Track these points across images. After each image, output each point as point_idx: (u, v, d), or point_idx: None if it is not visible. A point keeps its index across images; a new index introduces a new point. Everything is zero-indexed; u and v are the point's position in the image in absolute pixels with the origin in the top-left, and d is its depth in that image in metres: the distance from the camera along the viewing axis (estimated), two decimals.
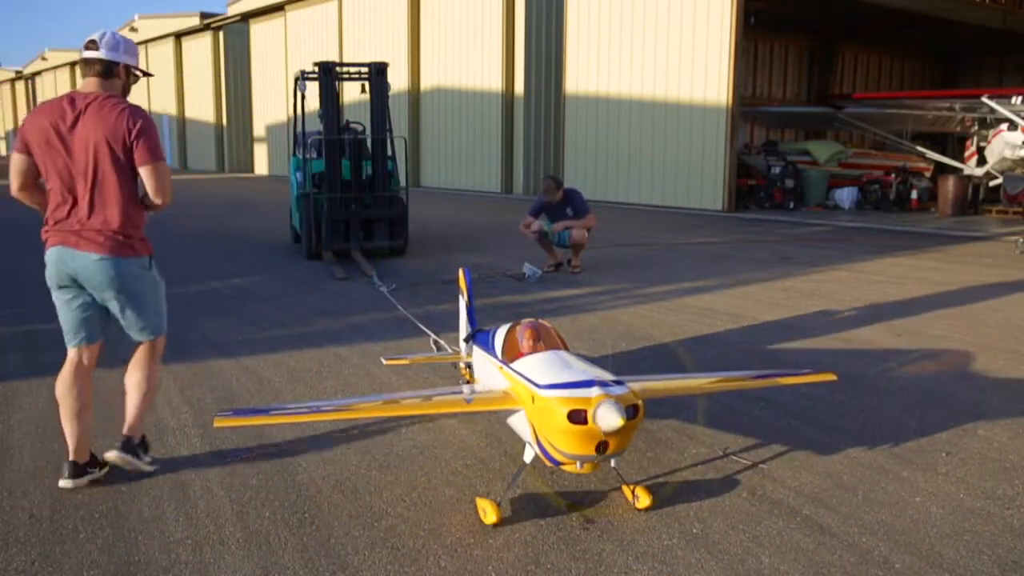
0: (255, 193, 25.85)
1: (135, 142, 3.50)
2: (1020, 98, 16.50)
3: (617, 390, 3.10)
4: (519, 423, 3.42)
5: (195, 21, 40.65)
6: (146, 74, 3.87)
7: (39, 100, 65.75)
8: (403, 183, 11.74)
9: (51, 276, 3.63)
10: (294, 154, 12.49)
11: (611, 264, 10.48)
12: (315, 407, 3.77)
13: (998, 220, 17.23)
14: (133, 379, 3.84)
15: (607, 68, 20.96)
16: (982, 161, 18.52)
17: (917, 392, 5.19)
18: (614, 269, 10.12)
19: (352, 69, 11.45)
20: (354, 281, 9.19)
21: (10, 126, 74.07)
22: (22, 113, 70.88)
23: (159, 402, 4.73)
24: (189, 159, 44.14)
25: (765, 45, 24.33)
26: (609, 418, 2.97)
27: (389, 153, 11.41)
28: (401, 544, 3.18)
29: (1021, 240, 11.92)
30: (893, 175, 19.88)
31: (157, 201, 3.61)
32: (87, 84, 3.60)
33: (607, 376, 3.24)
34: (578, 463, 3.18)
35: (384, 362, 5.28)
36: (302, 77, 11.29)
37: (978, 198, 18.66)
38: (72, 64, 57.44)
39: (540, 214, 9.83)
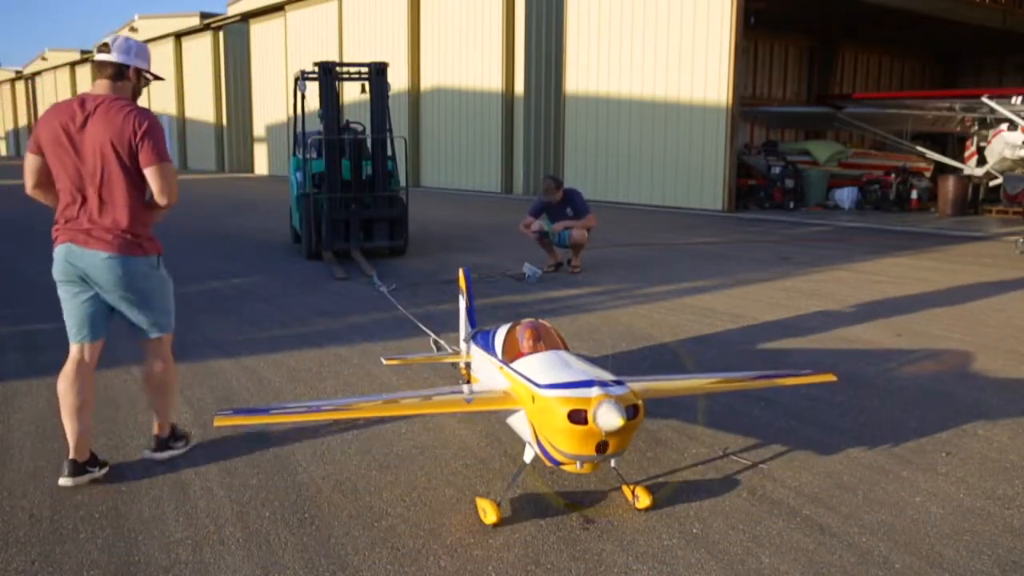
0: (255, 193, 25.86)
1: (140, 143, 3.56)
2: (1020, 98, 16.50)
3: (617, 390, 3.10)
4: (519, 423, 3.42)
5: (195, 21, 40.67)
6: (157, 77, 3.95)
7: (39, 100, 65.82)
8: (403, 183, 11.74)
9: (59, 272, 3.69)
10: (294, 154, 12.49)
11: (611, 264, 10.48)
12: (315, 407, 3.77)
13: (998, 220, 17.23)
14: (152, 382, 3.96)
15: (607, 68, 20.96)
16: (982, 161, 18.52)
17: (917, 392, 5.18)
18: (614, 269, 10.12)
19: (352, 69, 11.45)
20: (354, 281, 9.19)
21: (10, 126, 74.12)
22: (22, 113, 70.94)
23: None
24: (189, 159, 44.15)
25: (765, 45, 24.33)
26: (609, 418, 2.97)
27: (389, 153, 11.40)
28: (401, 544, 3.18)
29: (1021, 240, 11.92)
30: (893, 175, 19.89)
31: (162, 201, 3.66)
32: (98, 86, 3.69)
33: (607, 376, 3.23)
34: (578, 463, 3.18)
35: (384, 362, 5.28)
36: (302, 77, 11.29)
37: (978, 198, 18.66)
38: (72, 64, 57.44)
39: (540, 214, 9.83)
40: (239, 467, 3.90)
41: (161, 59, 43.44)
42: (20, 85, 70.31)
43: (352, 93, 15.70)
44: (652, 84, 19.87)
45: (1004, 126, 17.20)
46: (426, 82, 27.54)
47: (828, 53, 25.58)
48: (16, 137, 73.46)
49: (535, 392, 3.23)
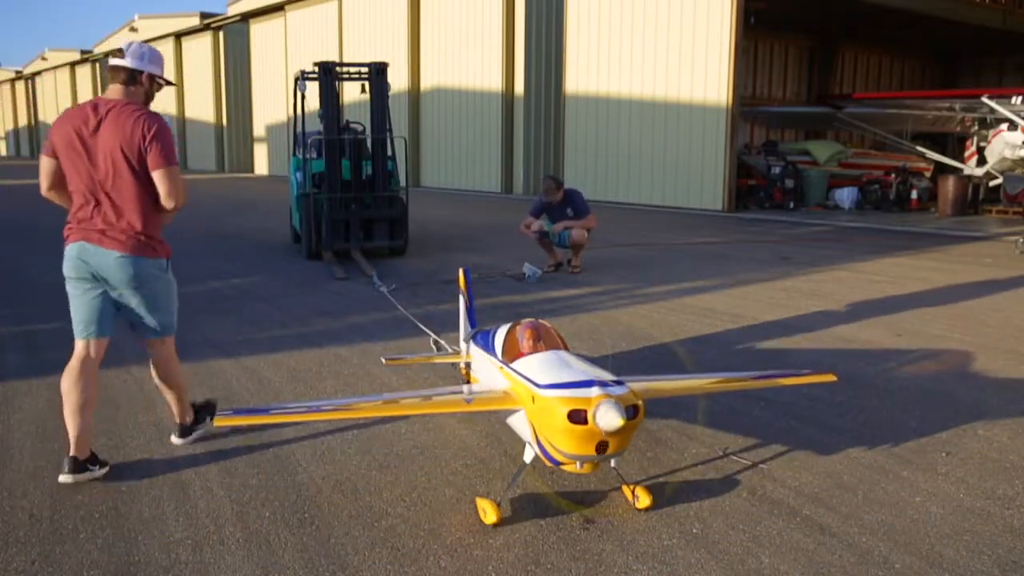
0: (255, 193, 25.86)
1: (149, 147, 3.66)
2: (1020, 98, 16.50)
3: (617, 390, 3.10)
4: (519, 423, 3.42)
5: (195, 21, 40.66)
6: (169, 83, 4.04)
7: (39, 100, 65.84)
8: (403, 183, 11.74)
9: (69, 269, 3.77)
10: (294, 154, 12.49)
11: (611, 264, 10.48)
12: (315, 407, 3.77)
13: (998, 220, 17.23)
14: (162, 381, 4.09)
15: (607, 68, 20.96)
16: (982, 161, 18.52)
17: (917, 392, 5.19)
18: (614, 269, 10.12)
19: (352, 69, 11.45)
20: (354, 281, 9.19)
21: (10, 126, 74.12)
22: (22, 113, 70.95)
23: (159, 402, 4.72)
24: (189, 159, 44.13)
25: (765, 45, 24.33)
26: (609, 418, 2.97)
27: (389, 153, 11.40)
28: (401, 544, 3.18)
29: (1021, 240, 11.92)
30: (893, 175, 19.89)
31: (168, 205, 3.74)
32: (111, 91, 3.79)
33: (607, 376, 3.24)
34: (578, 463, 3.18)
35: (384, 362, 5.28)
36: (302, 77, 11.29)
37: (978, 198, 18.66)
38: (72, 64, 57.44)
39: (541, 214, 9.83)
40: (239, 467, 3.90)
41: None
42: (20, 85, 70.32)
43: (352, 93, 15.70)
44: (652, 84, 19.87)
45: (1004, 126, 17.20)
46: (426, 82, 27.54)
47: (828, 53, 25.57)
48: (16, 137, 73.48)
49: (535, 392, 3.23)
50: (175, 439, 4.18)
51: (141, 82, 3.81)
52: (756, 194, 19.86)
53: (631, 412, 3.06)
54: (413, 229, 11.69)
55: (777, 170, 19.60)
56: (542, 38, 23.48)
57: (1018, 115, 16.46)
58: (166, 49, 43.23)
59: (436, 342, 5.81)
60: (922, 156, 20.59)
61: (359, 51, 28.80)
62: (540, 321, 3.87)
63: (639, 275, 9.75)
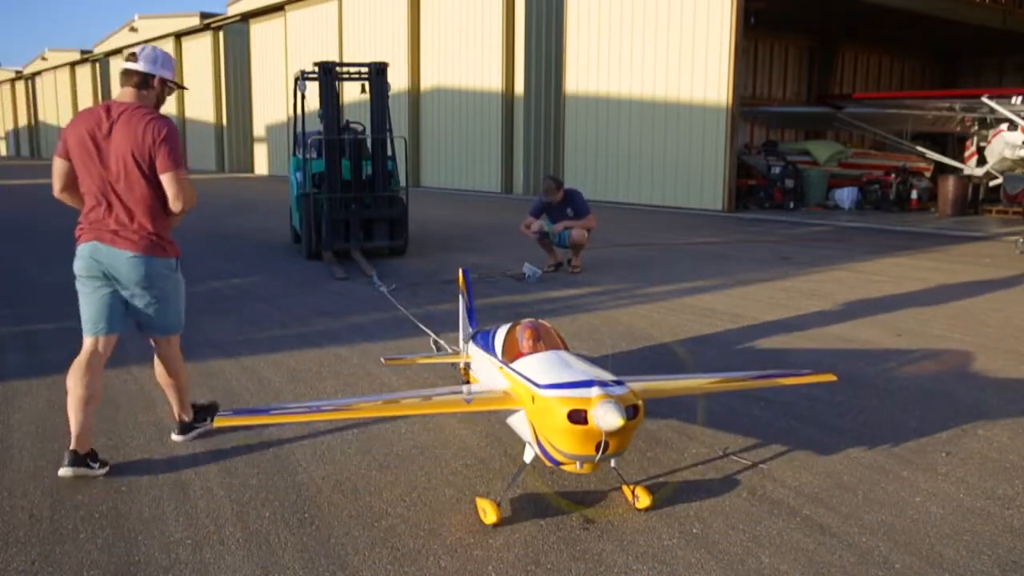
0: (255, 193, 25.86)
1: (157, 150, 3.73)
2: (1020, 98, 16.50)
3: (617, 390, 3.10)
4: (519, 423, 3.42)
5: (195, 21, 40.66)
6: (181, 87, 4.14)
7: (39, 100, 65.85)
8: (403, 183, 11.75)
9: (81, 268, 3.83)
10: (294, 154, 12.50)
11: (611, 264, 10.48)
12: (315, 407, 3.77)
13: (998, 220, 17.23)
14: (166, 378, 4.14)
15: (607, 68, 20.96)
16: (982, 161, 18.52)
17: (917, 392, 5.19)
18: (614, 269, 10.12)
19: (352, 69, 11.45)
20: (354, 281, 9.19)
21: (10, 126, 74.12)
22: (22, 113, 70.96)
23: (159, 401, 4.73)
24: (189, 159, 44.06)
25: (765, 45, 24.33)
26: (609, 418, 2.97)
27: (389, 153, 11.41)
28: (401, 544, 3.18)
29: (1021, 240, 11.91)
30: (893, 175, 19.89)
31: (176, 207, 3.82)
32: (123, 94, 3.87)
33: (607, 376, 3.24)
34: (578, 463, 3.18)
35: (384, 362, 5.28)
36: (302, 77, 11.29)
37: (978, 198, 18.66)
38: (72, 64, 57.44)
39: (541, 214, 9.84)
40: (239, 467, 3.90)
41: None
42: (20, 85, 70.32)
43: (352, 93, 15.69)
44: (652, 84, 19.87)
45: (1004, 126, 17.20)
46: (426, 82, 27.54)
47: (828, 53, 25.58)
48: (16, 137, 73.48)
49: (535, 392, 3.23)
50: (175, 436, 4.22)
51: (153, 86, 3.89)
52: (756, 194, 19.86)
53: (631, 412, 3.06)
54: (413, 229, 11.70)
55: (777, 170, 19.61)
56: (542, 38, 23.48)
57: (1018, 115, 16.45)
58: (166, 49, 43.23)
59: (436, 342, 5.81)
60: (922, 156, 20.59)
61: (359, 51, 28.80)
62: (540, 321, 3.87)
63: (639, 275, 9.75)
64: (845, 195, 19.60)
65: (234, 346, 6.20)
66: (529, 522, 3.35)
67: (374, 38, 28.80)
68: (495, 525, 3.30)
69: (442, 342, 5.76)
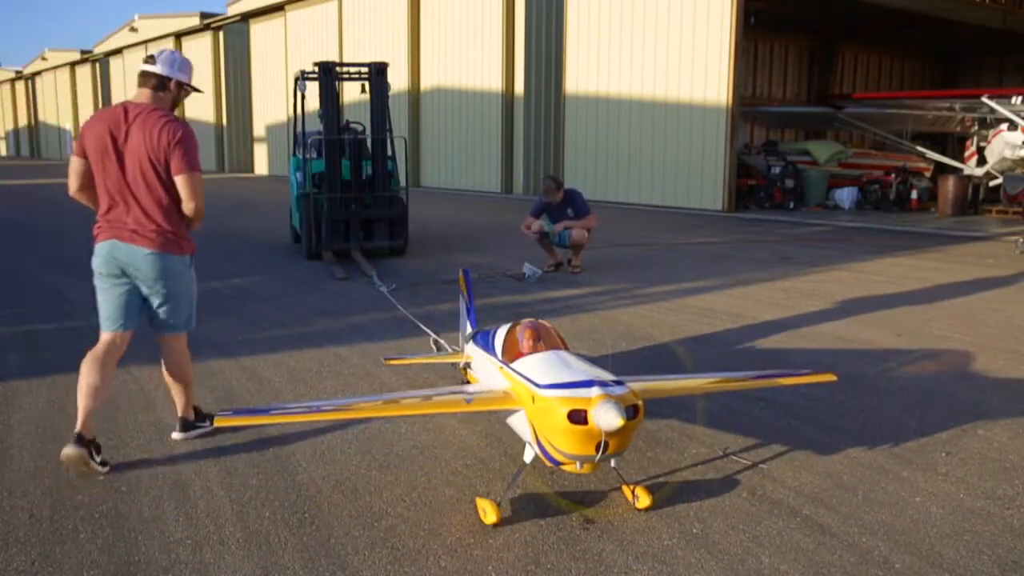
0: (255, 193, 25.86)
1: (172, 152, 3.79)
2: (1020, 98, 16.50)
3: (617, 390, 3.10)
4: (519, 423, 3.42)
5: (195, 21, 40.66)
6: (196, 90, 4.17)
7: (39, 100, 65.84)
8: (403, 183, 11.75)
9: (100, 265, 3.91)
10: (294, 154, 12.50)
11: (611, 264, 10.48)
12: (315, 407, 3.76)
13: (998, 220, 17.23)
14: (173, 376, 4.20)
15: (607, 68, 20.96)
16: (982, 161, 18.52)
17: (917, 392, 5.19)
18: (614, 269, 10.12)
19: (352, 69, 11.45)
20: (354, 281, 9.19)
21: (10, 126, 74.12)
22: (22, 113, 70.96)
23: (159, 401, 4.74)
24: None
25: (765, 45, 24.33)
26: (609, 418, 2.97)
27: (389, 153, 11.40)
28: (401, 544, 3.18)
29: (1021, 240, 11.92)
30: (893, 175, 19.89)
31: (188, 208, 3.88)
32: (140, 95, 3.93)
33: (607, 376, 3.24)
34: (578, 463, 3.18)
35: (384, 362, 5.28)
36: (302, 77, 11.29)
37: (978, 198, 18.66)
38: (72, 64, 57.44)
39: (541, 214, 9.84)
40: (239, 467, 3.90)
41: None
42: (20, 85, 70.34)
43: (352, 93, 15.70)
44: (652, 84, 19.87)
45: (1004, 126, 17.19)
46: (426, 82, 27.55)
47: (828, 53, 25.57)
48: (16, 137, 73.48)
49: (535, 392, 3.23)
50: (175, 434, 4.25)
51: (170, 88, 3.97)
52: (756, 194, 19.86)
53: (631, 412, 3.06)
54: (413, 229, 11.70)
55: (777, 170, 19.61)
56: (542, 38, 23.48)
57: (1018, 115, 16.45)
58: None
59: (436, 342, 5.81)
60: (922, 156, 20.59)
61: (359, 51, 28.81)
62: (540, 321, 3.87)
63: (639, 275, 9.75)
64: (845, 195, 19.60)
65: (234, 346, 6.20)
66: (529, 522, 3.35)
67: (374, 38, 28.80)
68: (495, 525, 3.30)
69: (442, 342, 5.77)
